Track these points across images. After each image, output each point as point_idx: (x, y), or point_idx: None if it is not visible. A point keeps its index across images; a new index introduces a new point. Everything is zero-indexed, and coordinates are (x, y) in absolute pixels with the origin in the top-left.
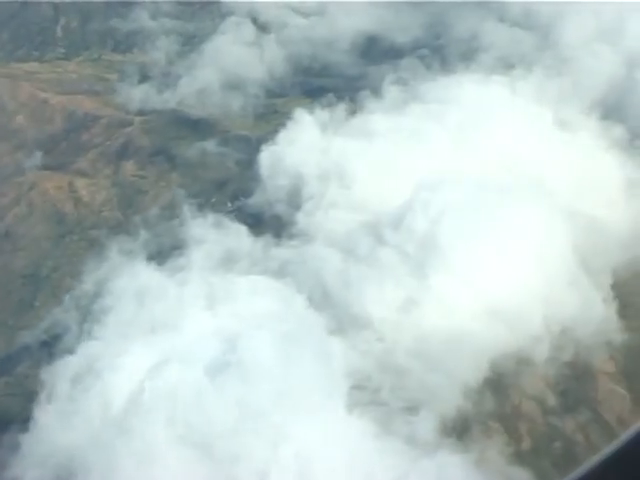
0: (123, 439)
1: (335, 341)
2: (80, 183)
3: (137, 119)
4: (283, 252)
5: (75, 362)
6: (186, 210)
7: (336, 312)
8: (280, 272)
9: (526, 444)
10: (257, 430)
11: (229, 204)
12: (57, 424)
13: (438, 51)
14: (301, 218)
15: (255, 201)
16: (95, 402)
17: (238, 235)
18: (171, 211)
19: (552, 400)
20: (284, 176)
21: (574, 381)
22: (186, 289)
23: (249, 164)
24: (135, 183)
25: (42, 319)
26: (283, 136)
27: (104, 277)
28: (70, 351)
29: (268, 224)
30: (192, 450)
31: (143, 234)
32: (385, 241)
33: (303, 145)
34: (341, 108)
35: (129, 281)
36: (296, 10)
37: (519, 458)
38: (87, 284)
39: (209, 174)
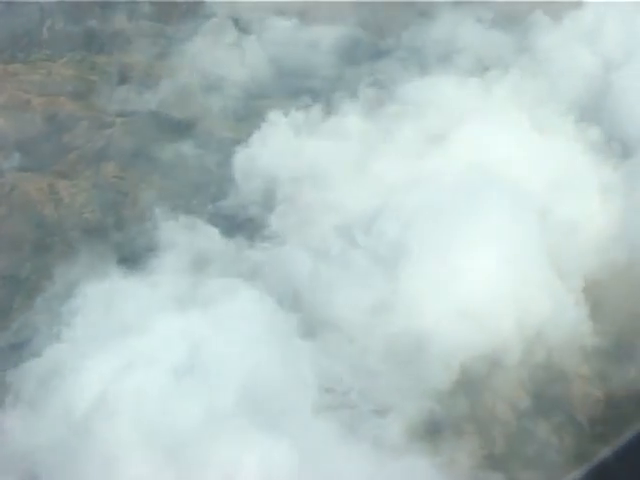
0: (88, 442)
1: (305, 344)
2: (61, 185)
3: (118, 120)
4: (255, 254)
5: (42, 365)
6: (160, 212)
7: (307, 314)
8: (252, 274)
9: (499, 447)
10: (223, 433)
11: (209, 206)
12: (22, 427)
13: (415, 53)
14: (274, 220)
15: (229, 203)
16: (61, 405)
17: (211, 237)
18: (148, 213)
19: (525, 403)
20: (258, 178)
21: (548, 384)
22: (157, 291)
23: (229, 166)
24: (116, 185)
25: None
26: (257, 138)
27: (76, 279)
28: (38, 354)
29: (241, 226)
30: (158, 454)
31: (117, 236)
32: (357, 244)
33: (277, 147)
34: (316, 109)
35: (100, 283)
36: (278, 12)
37: (492, 461)
38: (59, 286)
39: (189, 176)
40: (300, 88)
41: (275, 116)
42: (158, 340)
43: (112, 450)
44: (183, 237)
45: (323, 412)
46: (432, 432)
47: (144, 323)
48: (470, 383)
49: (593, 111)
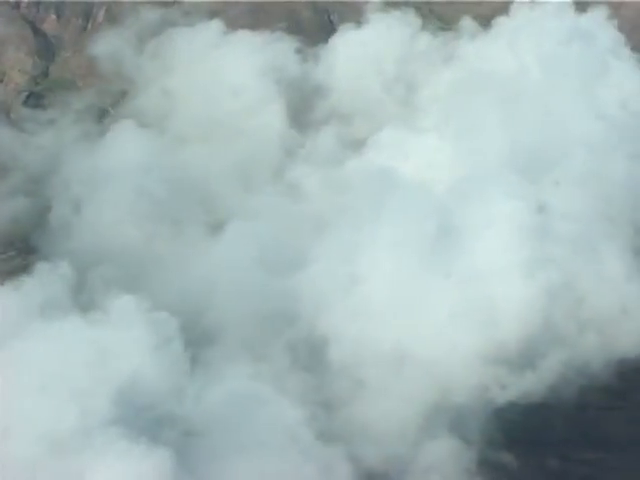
0: None
1: (201, 351)
2: None
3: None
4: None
5: None
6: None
7: (206, 322)
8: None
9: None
10: (97, 442)
11: None
12: None
13: (342, 57)
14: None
15: None
16: None
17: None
18: (60, 218)
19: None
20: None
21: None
22: (36, 297)
23: None
24: (31, 191)
25: None
26: None
27: None
28: None
29: None
30: (30, 461)
31: (23, 244)
32: (263, 248)
33: None
34: None
35: None
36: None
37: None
38: None
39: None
40: None
41: None
42: (32, 347)
43: None
44: (81, 240)
45: (207, 419)
46: (326, 440)
47: (18, 330)
48: (371, 389)
49: (509, 117)
